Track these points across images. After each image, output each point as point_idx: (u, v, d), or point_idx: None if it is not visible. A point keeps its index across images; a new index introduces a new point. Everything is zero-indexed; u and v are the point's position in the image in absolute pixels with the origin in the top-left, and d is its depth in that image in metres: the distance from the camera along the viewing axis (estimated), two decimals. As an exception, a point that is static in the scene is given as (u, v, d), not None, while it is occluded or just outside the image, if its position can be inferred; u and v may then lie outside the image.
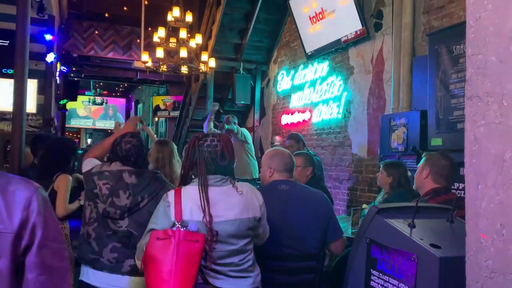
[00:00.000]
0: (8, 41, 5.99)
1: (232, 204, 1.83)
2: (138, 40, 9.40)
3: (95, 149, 2.53)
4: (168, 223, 1.76)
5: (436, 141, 3.93)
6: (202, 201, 1.77)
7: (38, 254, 1.09)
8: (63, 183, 3.18)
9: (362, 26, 5.41)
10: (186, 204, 1.78)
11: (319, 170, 4.23)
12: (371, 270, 1.69)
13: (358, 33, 5.53)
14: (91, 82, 16.33)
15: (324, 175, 4.88)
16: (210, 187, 1.82)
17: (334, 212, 2.56)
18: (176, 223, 1.74)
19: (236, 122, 6.24)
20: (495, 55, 1.17)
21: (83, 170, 2.29)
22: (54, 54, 6.70)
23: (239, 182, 1.95)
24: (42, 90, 6.57)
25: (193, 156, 1.87)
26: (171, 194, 1.83)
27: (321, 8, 6.15)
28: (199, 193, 1.79)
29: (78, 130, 21.06)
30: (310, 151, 4.96)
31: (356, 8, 5.43)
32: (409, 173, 3.48)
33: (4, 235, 1.05)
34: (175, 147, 3.04)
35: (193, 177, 1.90)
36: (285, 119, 7.44)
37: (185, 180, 1.90)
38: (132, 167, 2.19)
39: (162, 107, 12.44)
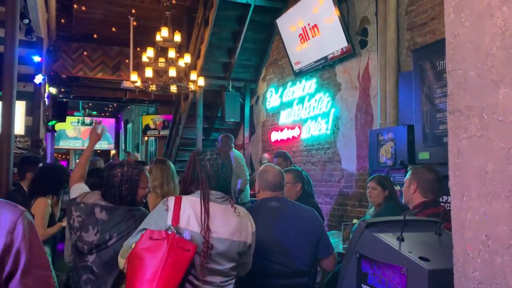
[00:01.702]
0: (-4, 64, 6.00)
1: (228, 223, 1.83)
2: (127, 60, 9.45)
3: (76, 171, 2.53)
4: (163, 226, 1.75)
5: (424, 155, 3.98)
6: (203, 214, 1.77)
7: (21, 282, 1.04)
8: (40, 207, 3.13)
9: (348, 43, 5.51)
10: (185, 212, 1.78)
11: (308, 186, 4.25)
12: (362, 284, 1.70)
13: (344, 50, 5.62)
14: (80, 103, 16.31)
15: (313, 191, 4.90)
16: (210, 202, 1.83)
17: (324, 229, 2.57)
18: (172, 228, 1.73)
19: (232, 144, 6.15)
20: (474, 70, 1.21)
21: (71, 196, 2.28)
22: (43, 75, 6.70)
23: (237, 205, 1.95)
24: (30, 111, 6.55)
25: (194, 171, 1.89)
26: (171, 199, 1.83)
27: (308, 26, 6.26)
28: (201, 205, 1.79)
29: (67, 151, 20.88)
30: (297, 167, 4.99)
31: (342, 26, 5.53)
32: (398, 187, 3.51)
33: None
34: (171, 164, 3.05)
35: (193, 190, 1.90)
36: (275, 136, 7.48)
37: (185, 193, 1.90)
38: (110, 199, 2.12)
39: (152, 126, 12.44)
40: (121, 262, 1.81)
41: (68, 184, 3.43)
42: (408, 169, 2.73)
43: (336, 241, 3.61)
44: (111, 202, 2.12)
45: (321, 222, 2.57)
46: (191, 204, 1.81)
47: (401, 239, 1.62)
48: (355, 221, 3.80)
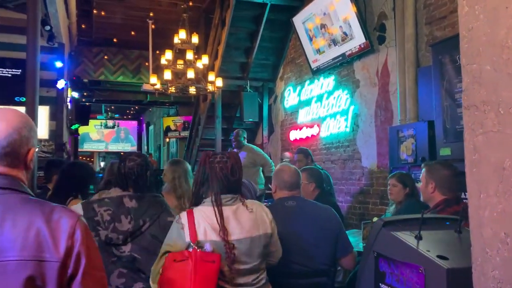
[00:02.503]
0: (20, 70, 6.15)
1: (243, 222, 1.85)
2: (147, 63, 9.57)
3: None
4: (183, 245, 1.77)
5: (445, 151, 3.90)
6: (218, 218, 1.79)
7: (82, 283, 1.08)
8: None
9: (366, 39, 5.45)
10: (200, 225, 1.80)
11: (327, 184, 4.21)
12: (380, 284, 1.68)
13: (362, 46, 5.56)
14: (103, 106, 16.59)
15: (333, 189, 4.86)
16: (222, 207, 1.84)
17: (343, 227, 2.55)
18: (192, 244, 1.75)
19: (245, 136, 6.25)
20: (489, 64, 1.18)
21: None
22: (65, 80, 6.84)
23: (248, 200, 1.97)
24: (53, 116, 6.71)
25: (204, 173, 1.91)
26: (183, 216, 1.84)
27: (325, 23, 6.21)
28: (214, 211, 1.81)
29: (91, 154, 21.26)
30: (317, 166, 4.96)
31: (359, 22, 5.47)
32: (419, 184, 3.45)
33: (50, 264, 1.05)
34: (188, 166, 3.06)
35: (203, 196, 1.92)
36: (294, 135, 7.45)
37: (196, 198, 1.93)
38: (132, 189, 2.20)
39: (172, 128, 12.56)
40: (154, 287, 1.84)
41: (93, 183, 3.46)
42: (422, 166, 2.67)
43: (356, 240, 3.57)
44: (133, 187, 2.21)
45: (339, 220, 2.54)
46: (203, 215, 1.83)
47: (419, 238, 1.59)
48: (375, 219, 3.74)
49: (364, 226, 3.32)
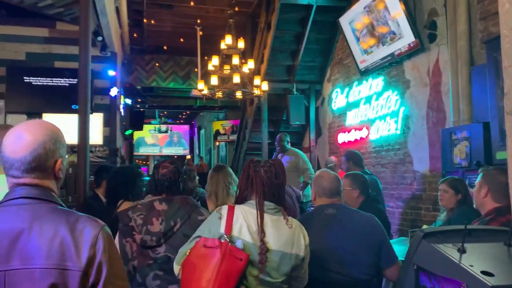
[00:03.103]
0: (76, 80, 6.49)
1: (279, 235, 1.83)
2: (196, 69, 9.78)
3: None
4: (216, 234, 1.78)
5: (502, 155, 3.64)
6: (258, 220, 1.79)
7: None
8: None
9: (415, 38, 5.22)
10: (237, 221, 1.81)
11: (374, 190, 4.06)
12: (420, 299, 1.58)
13: (412, 45, 5.34)
14: (156, 112, 17.16)
15: (382, 195, 4.66)
16: (264, 213, 1.84)
17: (387, 237, 2.44)
18: (225, 236, 1.75)
19: (289, 140, 6.21)
20: (534, 64, 1.07)
21: None
22: (117, 88, 7.13)
23: (290, 217, 1.94)
24: (107, 122, 7.01)
25: (248, 177, 1.92)
26: (224, 208, 1.87)
27: (373, 23, 6.04)
28: (256, 215, 1.81)
29: (146, 157, 22.05)
30: (366, 170, 4.79)
31: (408, 20, 5.26)
32: (472, 190, 3.25)
33: (73, 273, 1.09)
34: (229, 171, 3.08)
35: (247, 199, 1.92)
36: (342, 138, 7.29)
37: (240, 200, 1.94)
38: (165, 194, 2.28)
39: (221, 131, 12.76)
40: (176, 268, 1.87)
41: (140, 185, 3.57)
42: (479, 171, 2.50)
43: (404, 248, 3.41)
44: (167, 193, 2.30)
45: (383, 229, 2.43)
46: (243, 213, 1.83)
47: (462, 251, 1.48)
48: (424, 227, 3.58)
49: (411, 234, 3.17)
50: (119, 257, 1.21)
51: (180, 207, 2.25)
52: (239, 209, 1.85)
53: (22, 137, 1.18)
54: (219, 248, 1.69)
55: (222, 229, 1.78)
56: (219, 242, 1.72)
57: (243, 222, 1.80)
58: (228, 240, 1.73)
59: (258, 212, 1.81)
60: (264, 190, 1.86)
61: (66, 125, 6.80)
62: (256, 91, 6.68)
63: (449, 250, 1.51)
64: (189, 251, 1.79)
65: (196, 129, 19.18)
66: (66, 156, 1.30)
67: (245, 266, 1.71)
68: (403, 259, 2.63)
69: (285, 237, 1.83)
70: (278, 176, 1.90)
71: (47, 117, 6.63)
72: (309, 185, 5.90)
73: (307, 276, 1.97)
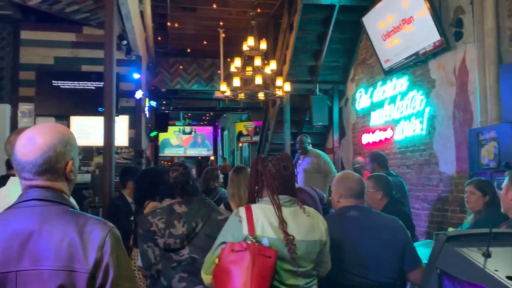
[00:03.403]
0: (102, 83, 6.65)
1: (300, 225, 1.85)
2: (219, 71, 9.85)
3: None
4: (240, 237, 1.79)
5: (532, 155, 3.52)
6: (277, 215, 1.81)
7: None
8: (154, 207, 3.36)
9: (441, 36, 5.11)
10: (258, 220, 1.82)
11: (399, 192, 3.98)
12: (444, 304, 1.54)
13: (437, 44, 5.22)
14: (181, 113, 17.36)
15: (407, 197, 4.57)
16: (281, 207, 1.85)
17: (410, 240, 2.39)
18: (250, 237, 1.76)
19: (310, 142, 6.17)
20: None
21: None
22: (142, 91, 7.25)
23: (305, 205, 1.95)
24: (132, 124, 7.13)
25: (257, 172, 1.94)
26: (242, 210, 1.87)
27: (397, 21, 5.94)
28: (273, 209, 1.83)
29: (171, 159, 22.33)
30: (391, 172, 4.71)
31: (433, 18, 5.16)
32: (499, 192, 3.16)
33: (80, 275, 1.11)
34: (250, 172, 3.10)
35: (259, 196, 1.94)
36: (366, 138, 7.20)
37: (252, 198, 1.96)
38: (179, 197, 2.31)
39: (244, 132, 12.80)
40: (206, 278, 1.87)
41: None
42: (505, 173, 2.43)
43: (429, 251, 3.35)
44: (181, 194, 2.33)
45: (407, 232, 2.39)
46: (262, 212, 1.84)
47: (487, 255, 1.44)
48: (450, 229, 3.50)
49: (436, 237, 3.10)
50: (127, 259, 1.22)
51: (199, 208, 2.27)
52: (256, 208, 1.86)
53: (33, 140, 1.21)
54: (247, 250, 1.70)
55: (245, 231, 1.78)
56: (246, 244, 1.72)
57: (264, 220, 1.81)
58: (254, 240, 1.74)
59: (275, 206, 1.83)
60: (275, 183, 1.88)
61: (93, 127, 6.99)
62: (278, 92, 6.67)
63: (474, 254, 1.48)
64: (217, 259, 1.79)
65: (219, 130, 19.30)
66: (78, 158, 1.32)
67: (275, 263, 1.72)
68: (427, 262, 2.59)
69: (306, 226, 1.86)
70: (287, 168, 1.91)
71: (75, 119, 6.81)
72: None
73: (330, 261, 1.98)
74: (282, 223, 1.79)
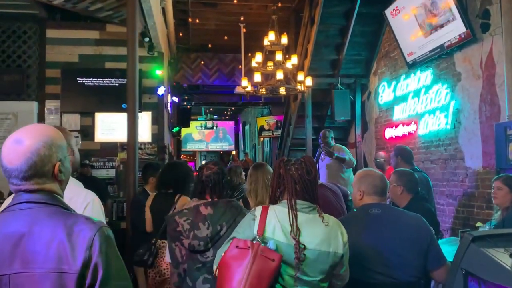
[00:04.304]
0: (126, 79, 6.74)
1: (315, 233, 1.81)
2: (240, 66, 9.84)
3: None
4: (250, 235, 1.80)
5: None
6: (291, 220, 1.79)
7: None
8: (184, 204, 3.41)
9: (466, 28, 4.97)
10: (271, 222, 1.82)
11: (424, 188, 3.90)
12: (469, 305, 1.52)
13: (463, 36, 5.09)
14: (202, 108, 17.47)
15: (432, 194, 4.48)
16: (297, 212, 1.83)
17: (434, 237, 2.35)
18: (257, 237, 1.77)
19: (333, 137, 6.12)
20: None
21: None
22: (164, 87, 7.32)
23: (326, 214, 1.92)
24: (155, 120, 7.21)
25: (279, 176, 1.92)
26: (258, 209, 1.88)
27: (421, 13, 5.82)
28: (289, 215, 1.81)
29: (193, 153, 22.53)
30: (416, 167, 4.61)
31: (458, 10, 5.02)
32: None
33: (69, 275, 1.12)
34: (269, 169, 3.10)
35: (280, 198, 1.93)
36: (389, 133, 7.09)
37: (273, 200, 1.95)
38: (209, 195, 2.32)
39: (266, 127, 12.78)
40: (215, 268, 1.90)
41: (191, 181, 3.66)
42: None
43: (454, 249, 3.28)
44: (211, 194, 2.34)
45: (430, 230, 2.35)
46: (277, 214, 1.83)
47: (514, 257, 1.41)
48: (478, 224, 3.42)
49: (461, 235, 3.04)
50: (118, 258, 1.20)
51: (225, 211, 2.28)
52: (272, 210, 1.85)
53: (16, 145, 1.20)
54: (250, 249, 1.71)
55: (255, 230, 1.79)
56: (250, 243, 1.74)
57: (276, 223, 1.80)
58: (260, 241, 1.75)
59: (291, 211, 1.81)
60: (295, 188, 1.86)
61: (117, 123, 7.09)
62: (300, 87, 6.63)
63: (500, 256, 1.45)
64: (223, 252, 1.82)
65: (241, 125, 19.34)
66: (69, 157, 1.31)
67: (278, 267, 1.71)
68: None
69: (321, 235, 1.81)
70: (310, 173, 1.88)
71: (99, 116, 6.93)
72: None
73: (348, 274, 1.94)
74: (296, 230, 1.77)
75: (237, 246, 1.75)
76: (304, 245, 1.75)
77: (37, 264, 1.12)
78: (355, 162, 5.84)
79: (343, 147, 6.23)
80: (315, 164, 1.96)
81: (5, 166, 1.21)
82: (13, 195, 1.25)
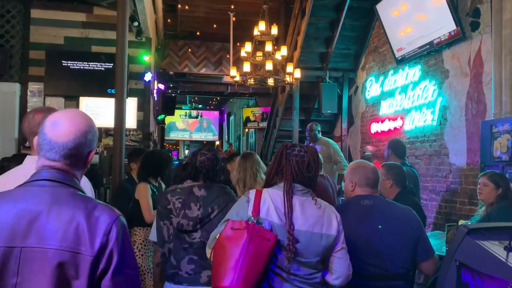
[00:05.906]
0: (112, 64, 6.61)
1: (308, 215, 1.83)
2: (228, 56, 9.76)
3: None
4: (244, 217, 1.81)
5: (547, 150, 3.48)
6: (286, 208, 1.80)
7: (112, 279, 1.15)
8: (141, 190, 3.41)
9: (457, 26, 5.03)
10: (265, 203, 1.83)
11: (412, 182, 3.95)
12: (462, 296, 1.54)
13: (452, 34, 5.14)
14: (187, 97, 17.31)
15: (419, 188, 4.54)
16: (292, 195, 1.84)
17: (424, 230, 2.38)
18: (252, 218, 1.78)
19: (320, 130, 6.13)
20: None
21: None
22: (151, 73, 7.22)
23: (320, 199, 1.92)
24: (141, 107, 7.12)
25: (279, 163, 1.91)
26: (252, 192, 1.89)
27: (412, 9, 5.85)
28: (284, 200, 1.82)
29: (176, 142, 22.36)
30: (406, 162, 4.65)
31: (449, 7, 5.06)
32: (513, 185, 3.14)
33: (85, 257, 1.13)
34: (257, 158, 3.10)
35: (277, 182, 1.92)
36: (375, 127, 7.16)
37: (268, 185, 1.94)
38: (202, 180, 2.32)
39: (251, 118, 12.76)
40: (208, 252, 1.89)
41: (170, 168, 3.69)
42: None
43: (439, 243, 3.34)
44: (204, 179, 2.34)
45: (420, 223, 2.37)
46: (271, 196, 1.85)
47: (509, 249, 1.43)
48: (461, 222, 3.49)
49: (448, 228, 3.10)
50: (130, 247, 1.23)
51: (218, 195, 2.29)
52: (266, 192, 1.87)
53: (67, 124, 1.24)
54: (246, 229, 1.71)
55: (250, 212, 1.80)
56: (246, 224, 1.74)
57: (270, 204, 1.82)
58: (255, 221, 1.76)
59: (285, 193, 1.82)
60: (294, 180, 1.87)
61: (102, 108, 6.96)
62: (288, 79, 6.61)
63: (495, 248, 1.47)
64: (218, 234, 1.81)
65: (225, 115, 19.26)
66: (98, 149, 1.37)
67: (274, 246, 1.72)
68: (439, 254, 2.58)
69: (314, 217, 1.83)
70: (310, 168, 1.88)
71: (84, 100, 6.80)
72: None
73: (345, 264, 1.93)
74: (290, 211, 1.78)
75: (232, 228, 1.74)
76: (296, 228, 1.76)
77: (54, 241, 1.13)
78: (345, 163, 5.86)
79: (330, 140, 6.25)
80: (319, 158, 1.95)
81: (49, 138, 1.22)
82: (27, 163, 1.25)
